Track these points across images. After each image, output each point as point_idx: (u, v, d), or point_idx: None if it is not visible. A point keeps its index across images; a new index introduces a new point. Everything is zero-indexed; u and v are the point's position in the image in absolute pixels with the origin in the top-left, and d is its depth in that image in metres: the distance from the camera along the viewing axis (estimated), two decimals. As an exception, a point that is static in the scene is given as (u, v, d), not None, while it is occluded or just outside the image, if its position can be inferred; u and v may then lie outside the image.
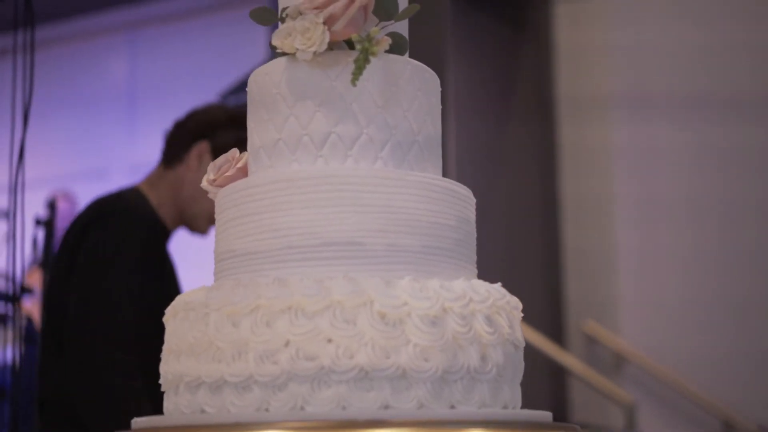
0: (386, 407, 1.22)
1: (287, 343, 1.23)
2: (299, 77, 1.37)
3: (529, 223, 4.54)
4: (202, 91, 6.68)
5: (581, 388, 4.72)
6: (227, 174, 1.47)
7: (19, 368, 5.79)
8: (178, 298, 1.38)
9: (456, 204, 1.38)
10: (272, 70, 1.41)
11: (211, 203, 1.47)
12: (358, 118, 1.36)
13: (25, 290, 3.40)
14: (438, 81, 1.45)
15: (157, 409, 1.46)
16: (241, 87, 5.18)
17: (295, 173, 1.34)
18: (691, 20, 4.90)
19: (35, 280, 4.26)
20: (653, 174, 4.91)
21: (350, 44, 1.39)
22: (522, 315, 1.40)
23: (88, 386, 2.19)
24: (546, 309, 4.67)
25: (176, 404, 1.32)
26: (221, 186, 1.47)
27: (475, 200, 1.44)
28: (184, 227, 2.62)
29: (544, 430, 1.31)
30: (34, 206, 2.85)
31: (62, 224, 3.86)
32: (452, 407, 1.25)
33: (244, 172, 1.47)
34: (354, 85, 1.31)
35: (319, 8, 1.35)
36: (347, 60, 1.36)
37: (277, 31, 1.39)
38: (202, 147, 2.53)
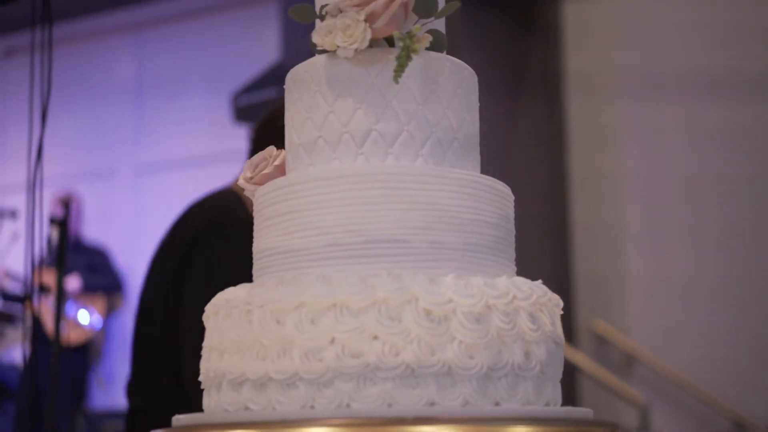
0: (432, 404, 1.22)
1: (333, 341, 1.23)
2: (339, 74, 1.37)
3: (539, 244, 4.54)
4: (209, 91, 6.69)
5: (592, 388, 4.72)
6: (265, 172, 1.47)
7: (27, 368, 5.77)
8: (217, 297, 1.38)
9: (497, 201, 1.38)
10: (311, 68, 1.41)
11: None
12: (399, 116, 1.36)
13: (43, 289, 3.39)
14: (476, 79, 1.45)
15: None
16: (254, 86, 5.18)
17: (337, 170, 1.34)
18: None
19: (50, 280, 4.25)
20: (663, 159, 4.90)
21: (390, 41, 1.39)
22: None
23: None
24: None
25: (218, 402, 1.32)
26: (259, 184, 1.47)
27: (513, 197, 1.44)
28: None
29: (586, 427, 1.31)
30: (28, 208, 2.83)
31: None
32: (497, 404, 1.25)
33: (281, 170, 1.47)
34: (396, 82, 1.31)
35: (360, 6, 1.35)
36: (388, 57, 1.36)
37: (316, 28, 1.39)
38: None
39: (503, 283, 1.29)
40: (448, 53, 1.45)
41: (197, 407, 1.40)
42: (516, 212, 1.45)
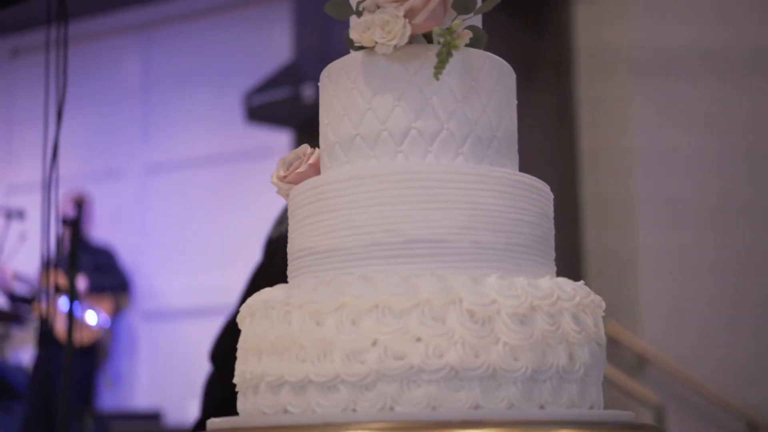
0: (476, 407, 1.20)
1: (375, 342, 1.21)
2: (377, 71, 1.35)
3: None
4: (217, 91, 6.67)
5: (605, 389, 4.69)
6: (299, 170, 1.45)
7: (34, 370, 5.76)
8: (253, 297, 1.35)
9: (537, 200, 1.36)
10: (348, 65, 1.38)
11: None
12: (438, 113, 1.33)
13: (58, 290, 3.37)
14: (514, 76, 1.43)
15: None
16: (266, 86, 5.15)
17: (376, 169, 1.31)
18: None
19: (61, 281, 4.22)
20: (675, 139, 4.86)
21: (428, 38, 1.37)
22: None
23: None
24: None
25: (255, 404, 1.30)
26: (292, 183, 1.44)
27: (552, 196, 1.41)
28: None
29: (632, 431, 1.28)
30: (43, 209, 2.81)
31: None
32: (541, 407, 1.23)
33: (315, 169, 1.45)
34: (437, 78, 1.28)
35: (399, 1, 1.32)
36: (427, 54, 1.34)
37: (353, 24, 1.36)
38: None
39: (546, 283, 1.27)
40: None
41: None
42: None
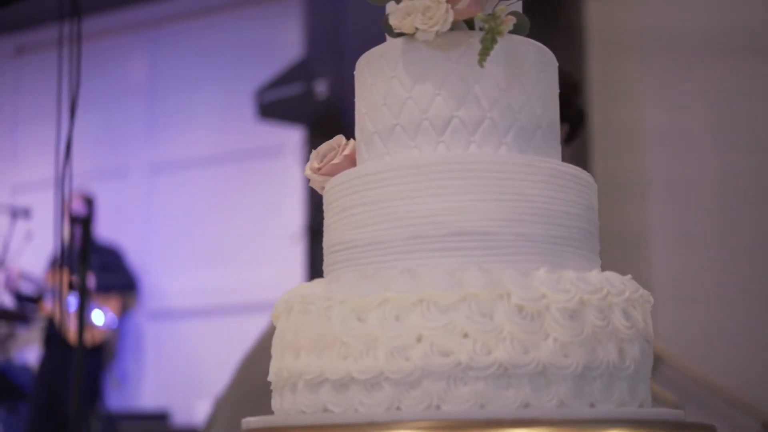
0: (526, 405, 1.15)
1: (420, 338, 1.16)
2: (418, 59, 1.31)
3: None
4: (224, 89, 6.62)
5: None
6: (334, 162, 1.40)
7: (40, 370, 5.72)
8: (290, 293, 1.31)
9: (583, 192, 1.31)
10: (387, 52, 1.34)
11: None
12: (481, 102, 1.29)
13: (72, 287, 3.32)
14: (557, 64, 1.39)
15: None
16: (278, 82, 5.11)
17: (418, 159, 1.27)
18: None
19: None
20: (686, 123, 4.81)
21: (469, 24, 1.33)
22: None
23: None
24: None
25: (293, 403, 1.25)
26: (327, 174, 1.40)
27: (596, 186, 1.37)
28: None
29: (687, 430, 1.24)
30: (56, 206, 2.76)
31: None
32: (592, 406, 1.19)
33: (351, 160, 1.40)
34: (482, 66, 1.24)
35: (441, -14, 1.28)
36: (469, 41, 1.29)
37: (393, 10, 1.32)
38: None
39: (596, 277, 1.23)
40: None
41: None
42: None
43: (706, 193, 4.81)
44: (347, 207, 1.30)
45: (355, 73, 1.40)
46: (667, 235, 4.88)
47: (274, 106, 5.08)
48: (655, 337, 1.31)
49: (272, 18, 6.34)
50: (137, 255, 6.61)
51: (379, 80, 1.34)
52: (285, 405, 1.28)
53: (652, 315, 1.31)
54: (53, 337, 5.50)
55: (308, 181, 1.46)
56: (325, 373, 1.20)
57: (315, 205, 5.06)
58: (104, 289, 6.06)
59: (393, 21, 1.31)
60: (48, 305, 5.70)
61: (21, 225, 5.74)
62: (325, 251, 1.36)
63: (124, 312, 6.29)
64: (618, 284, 1.24)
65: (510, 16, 1.28)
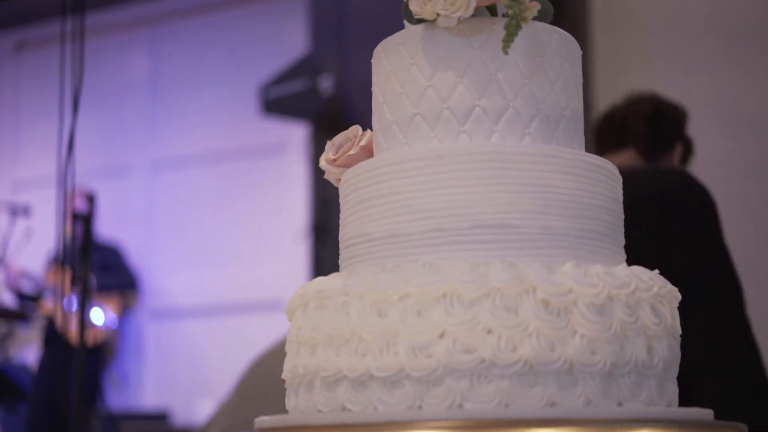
0: (552, 404, 1.11)
1: (442, 334, 1.12)
2: (439, 46, 1.26)
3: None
4: (226, 86, 6.58)
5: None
6: (350, 153, 1.36)
7: (39, 370, 5.67)
8: (305, 287, 1.27)
9: (609, 183, 1.27)
10: (406, 39, 1.29)
11: None
12: (504, 90, 1.25)
13: (74, 285, 3.28)
14: (581, 52, 1.35)
15: None
16: (283, 78, 5.07)
17: (439, 150, 1.23)
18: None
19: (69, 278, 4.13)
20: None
21: (491, 10, 1.29)
22: None
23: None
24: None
25: (309, 402, 1.21)
26: (343, 166, 1.36)
27: (621, 179, 1.33)
28: None
29: (713, 429, 1.20)
30: (57, 202, 2.72)
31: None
32: (620, 404, 1.14)
33: (368, 151, 1.36)
34: (506, 53, 1.20)
35: (463, -30, 1.24)
36: (492, 27, 1.25)
37: (413, -4, 1.28)
38: (680, 148, 2.45)
39: (623, 272, 1.18)
40: None
41: None
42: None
43: (712, 167, 4.75)
44: (365, 199, 1.26)
45: (372, 60, 1.36)
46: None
47: (278, 103, 5.04)
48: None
49: (276, 13, 6.30)
50: (138, 253, 6.56)
51: (398, 68, 1.30)
52: (300, 403, 1.23)
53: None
54: (53, 336, 5.45)
55: (322, 173, 1.42)
56: (342, 371, 1.16)
57: (319, 203, 5.01)
58: (104, 288, 6.01)
59: (413, 6, 1.26)
60: (48, 304, 5.65)
61: (21, 223, 5.70)
62: (341, 245, 1.32)
63: (124, 311, 6.24)
64: (646, 279, 1.19)
65: (534, 2, 1.23)
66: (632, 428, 1.11)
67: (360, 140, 1.37)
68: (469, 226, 1.18)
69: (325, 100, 4.79)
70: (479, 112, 1.25)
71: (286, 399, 1.28)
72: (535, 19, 1.26)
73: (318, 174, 1.82)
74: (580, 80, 1.34)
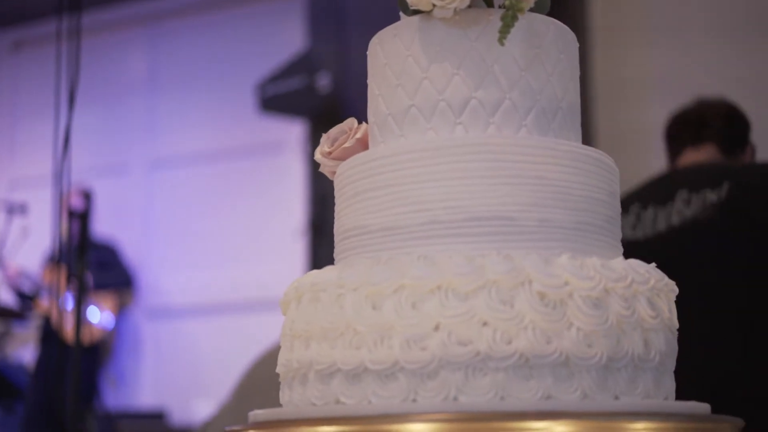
0: (548, 397, 1.10)
1: (437, 327, 1.11)
2: (434, 37, 1.25)
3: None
4: (224, 84, 6.56)
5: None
6: (345, 145, 1.35)
7: (36, 369, 5.64)
8: (300, 280, 1.26)
9: (605, 176, 1.26)
10: (402, 31, 1.29)
11: None
12: (500, 82, 1.24)
13: (70, 283, 3.27)
14: (578, 44, 1.34)
15: None
16: (280, 75, 5.06)
17: (434, 142, 1.22)
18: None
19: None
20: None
21: (488, 1, 1.28)
22: None
23: None
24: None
25: (303, 395, 1.20)
26: (339, 159, 1.35)
27: (619, 172, 1.32)
28: None
29: (714, 423, 1.19)
30: (54, 200, 2.71)
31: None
32: (616, 398, 1.14)
33: (363, 144, 1.35)
34: (502, 44, 1.19)
35: (459, -39, 1.23)
36: (488, 18, 1.24)
37: (410, -14, 1.27)
38: (749, 151, 2.50)
39: (620, 265, 1.18)
40: None
41: None
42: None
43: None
44: (360, 191, 1.25)
45: (367, 52, 1.35)
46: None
47: (275, 100, 5.03)
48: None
49: (273, 11, 6.28)
50: (136, 252, 6.55)
51: (394, 60, 1.29)
52: (294, 397, 1.22)
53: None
54: (50, 335, 5.44)
55: (318, 167, 1.41)
56: (337, 363, 1.15)
57: (317, 200, 5.00)
58: (101, 286, 5.99)
59: (409, -3, 1.26)
60: (44, 303, 5.64)
61: (17, 221, 5.68)
62: (336, 237, 1.31)
63: (121, 310, 6.23)
64: (642, 272, 1.19)
65: (530, -7, 1.23)
66: (628, 422, 1.10)
67: (355, 133, 1.36)
68: (465, 219, 1.18)
69: (323, 97, 4.79)
70: (475, 103, 1.24)
71: (280, 393, 1.27)
72: (531, 10, 1.26)
73: (316, 171, 1.81)
74: (577, 72, 1.33)
